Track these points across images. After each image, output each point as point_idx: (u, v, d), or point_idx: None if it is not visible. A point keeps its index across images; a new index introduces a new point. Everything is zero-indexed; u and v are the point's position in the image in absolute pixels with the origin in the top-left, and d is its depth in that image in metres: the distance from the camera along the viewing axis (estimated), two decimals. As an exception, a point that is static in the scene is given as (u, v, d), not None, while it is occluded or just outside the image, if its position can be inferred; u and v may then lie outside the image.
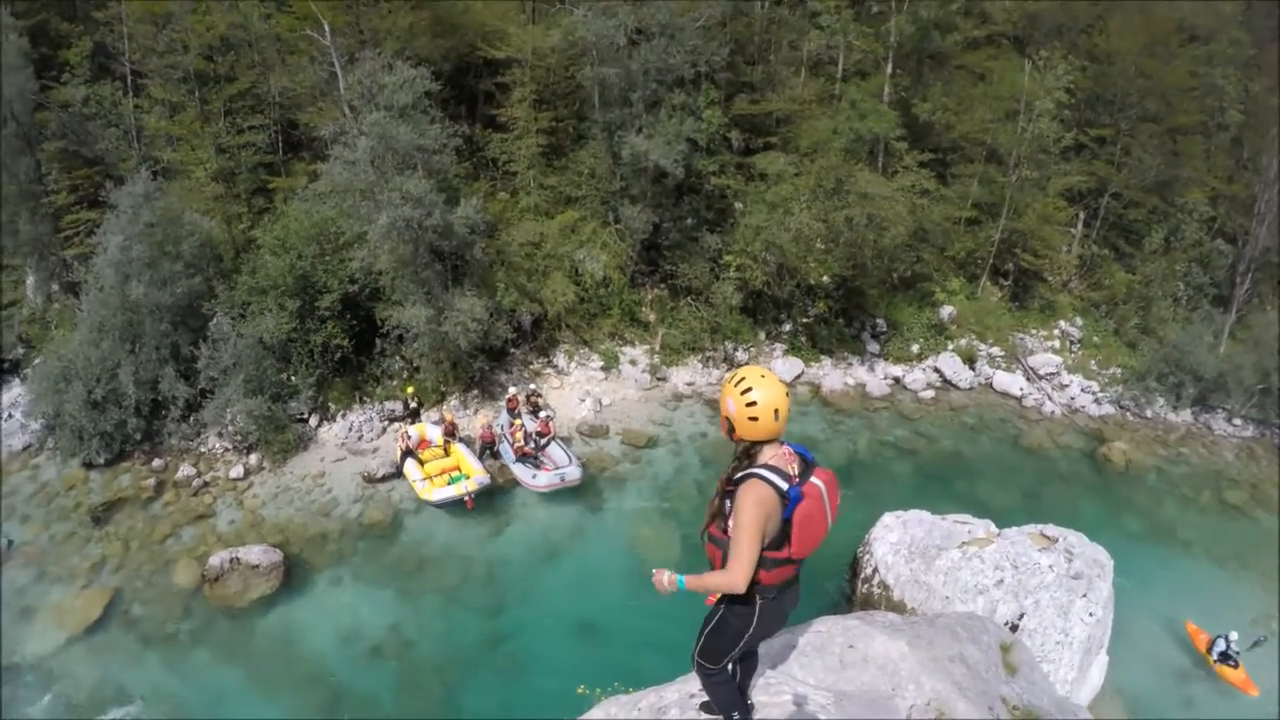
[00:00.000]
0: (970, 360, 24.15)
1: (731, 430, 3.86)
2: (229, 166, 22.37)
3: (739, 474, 3.80)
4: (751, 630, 4.11)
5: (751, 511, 3.68)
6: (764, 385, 3.71)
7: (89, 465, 19.34)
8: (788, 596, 4.12)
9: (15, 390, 22.24)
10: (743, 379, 3.77)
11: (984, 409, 22.55)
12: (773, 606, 4.05)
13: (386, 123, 18.87)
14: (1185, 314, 25.51)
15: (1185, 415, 22.72)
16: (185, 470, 19.21)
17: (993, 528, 14.68)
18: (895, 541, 14.71)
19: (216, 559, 16.18)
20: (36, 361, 21.39)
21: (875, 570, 14.66)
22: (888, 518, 15.33)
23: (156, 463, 19.48)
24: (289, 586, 16.17)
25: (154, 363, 19.67)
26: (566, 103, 24.16)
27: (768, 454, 3.81)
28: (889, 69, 25.58)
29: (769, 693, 5.31)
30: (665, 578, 4.04)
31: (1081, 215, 27.66)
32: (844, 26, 25.04)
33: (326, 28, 21.20)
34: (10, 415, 21.36)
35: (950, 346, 24.62)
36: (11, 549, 17.28)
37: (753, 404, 3.70)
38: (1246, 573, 17.44)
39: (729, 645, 4.21)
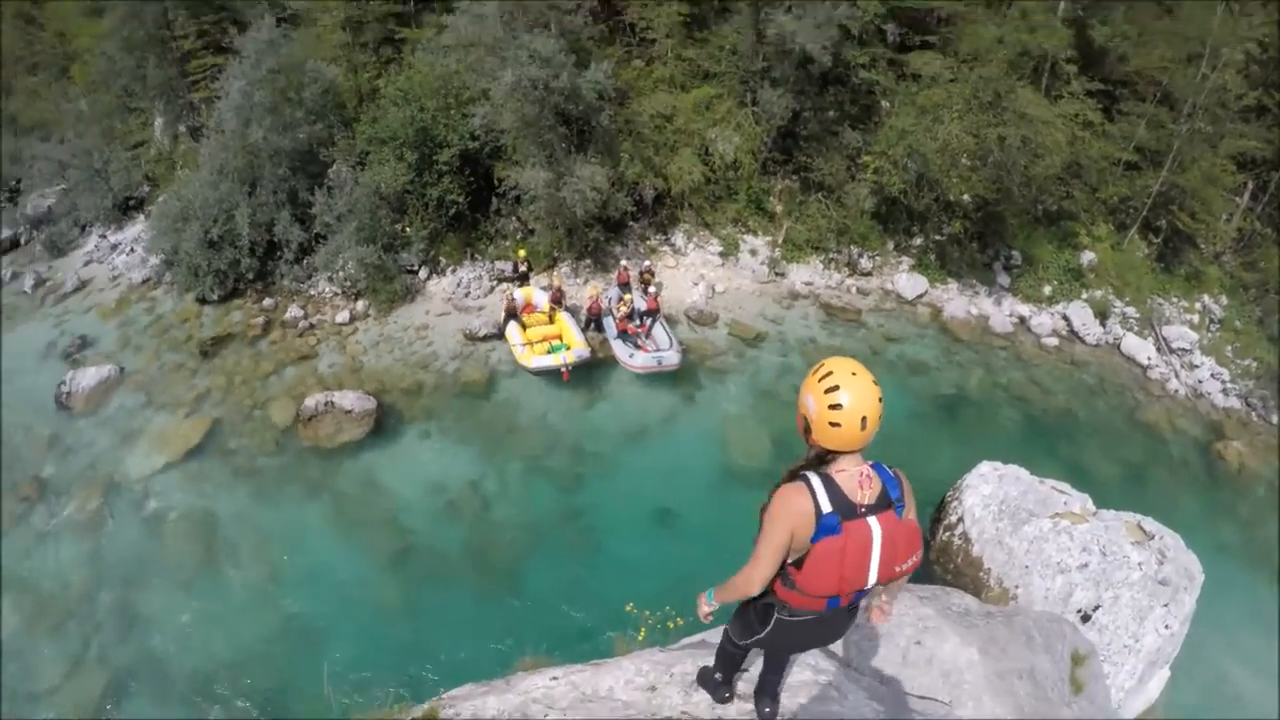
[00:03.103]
0: (1103, 315, 21.92)
1: (808, 431, 3.25)
2: (357, 15, 21.89)
3: (796, 468, 3.30)
4: (762, 637, 3.74)
5: (778, 515, 3.22)
6: (854, 385, 3.10)
7: (203, 301, 19.83)
8: (819, 626, 3.62)
9: (139, 226, 22.95)
10: (829, 373, 3.15)
11: (1106, 371, 20.54)
12: (792, 627, 3.60)
13: (518, -24, 18.03)
14: (1340, 322, 22.33)
15: (1314, 431, 19.93)
16: (293, 311, 19.34)
17: (1090, 504, 13.29)
18: (987, 494, 13.56)
19: (312, 400, 16.27)
20: (159, 199, 21.81)
21: (960, 520, 13.59)
22: (984, 467, 14.10)
23: (267, 302, 19.74)
24: (378, 434, 16.12)
25: (270, 206, 19.80)
26: (714, -30, 22.63)
27: (839, 466, 3.22)
28: (1069, -19, 23.02)
29: (813, 696, 5.00)
30: (701, 601, 3.73)
31: (1250, 185, 24.44)
32: (1025, -75, 22.48)
33: None
34: (133, 250, 22.04)
35: (1084, 296, 22.36)
36: (124, 375, 17.90)
37: (837, 406, 3.09)
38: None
39: (743, 634, 3.91)
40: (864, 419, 3.07)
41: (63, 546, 14.14)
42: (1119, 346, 21.27)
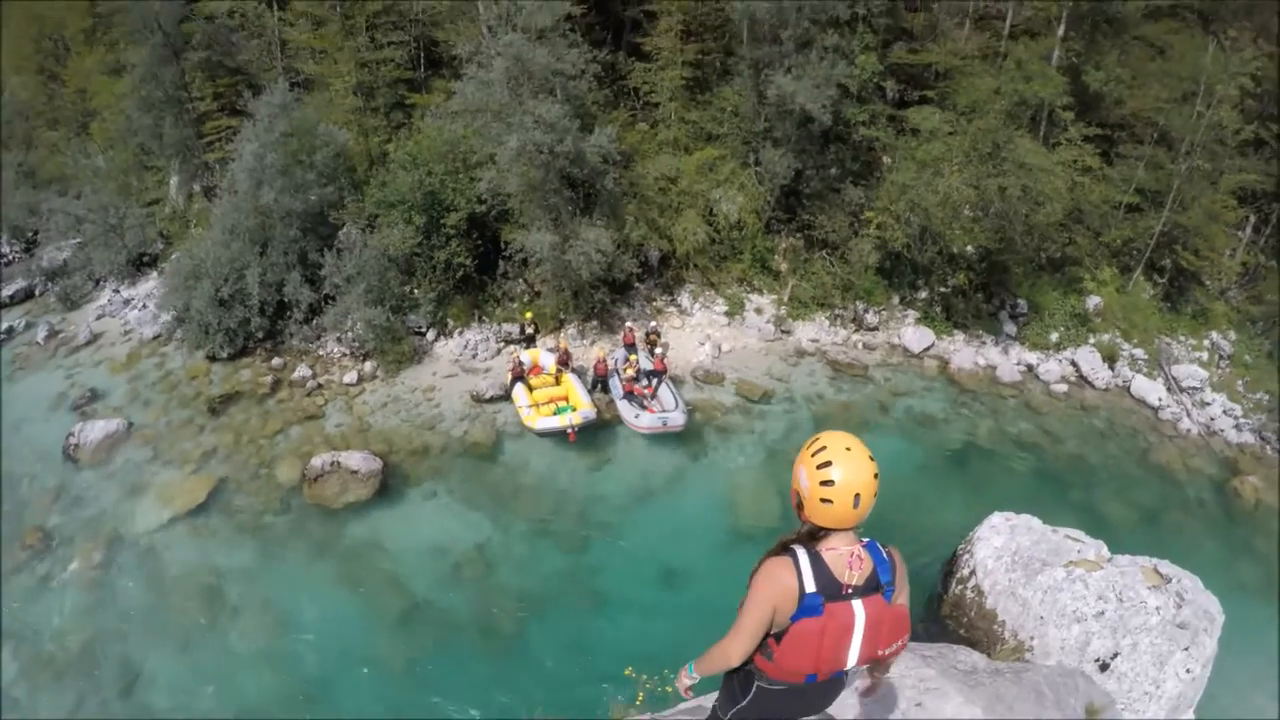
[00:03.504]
0: (1111, 359, 21.90)
1: (800, 506, 3.14)
2: (368, 81, 22.40)
3: (786, 540, 3.22)
4: (744, 706, 3.54)
5: (761, 588, 3.14)
6: (847, 461, 2.99)
7: (212, 358, 20.08)
8: (801, 697, 3.44)
9: (152, 282, 23.31)
10: (823, 448, 3.04)
11: (1116, 414, 20.42)
12: (774, 696, 3.41)
13: (522, 45, 18.42)
14: (1351, 350, 22.23)
15: (1330, 461, 19.69)
16: (302, 371, 19.58)
17: (1104, 551, 13.14)
18: (999, 546, 13.43)
19: (318, 460, 16.36)
20: (172, 257, 22.18)
21: (973, 573, 13.42)
22: (996, 518, 14.00)
23: (275, 361, 19.98)
24: (384, 494, 16.16)
25: (281, 266, 20.09)
26: (714, 36, 23.01)
27: (830, 544, 3.12)
28: (1061, 30, 23.16)
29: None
30: (682, 674, 3.68)
31: (1251, 219, 24.66)
32: (1016, -23, 22.90)
33: (467, -54, 20.99)
34: (145, 305, 22.39)
35: (1092, 340, 22.37)
36: (132, 429, 18.10)
37: (829, 483, 2.99)
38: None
39: (727, 706, 3.67)
40: (857, 496, 2.98)
41: (65, 597, 14.23)
42: (1129, 389, 21.19)
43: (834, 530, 3.11)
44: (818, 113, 20.04)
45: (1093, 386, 21.22)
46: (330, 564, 14.85)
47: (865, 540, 3.18)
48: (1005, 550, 13.31)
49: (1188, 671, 11.34)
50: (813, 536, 3.15)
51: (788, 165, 21.35)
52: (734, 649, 3.24)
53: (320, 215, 20.36)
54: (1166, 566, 12.68)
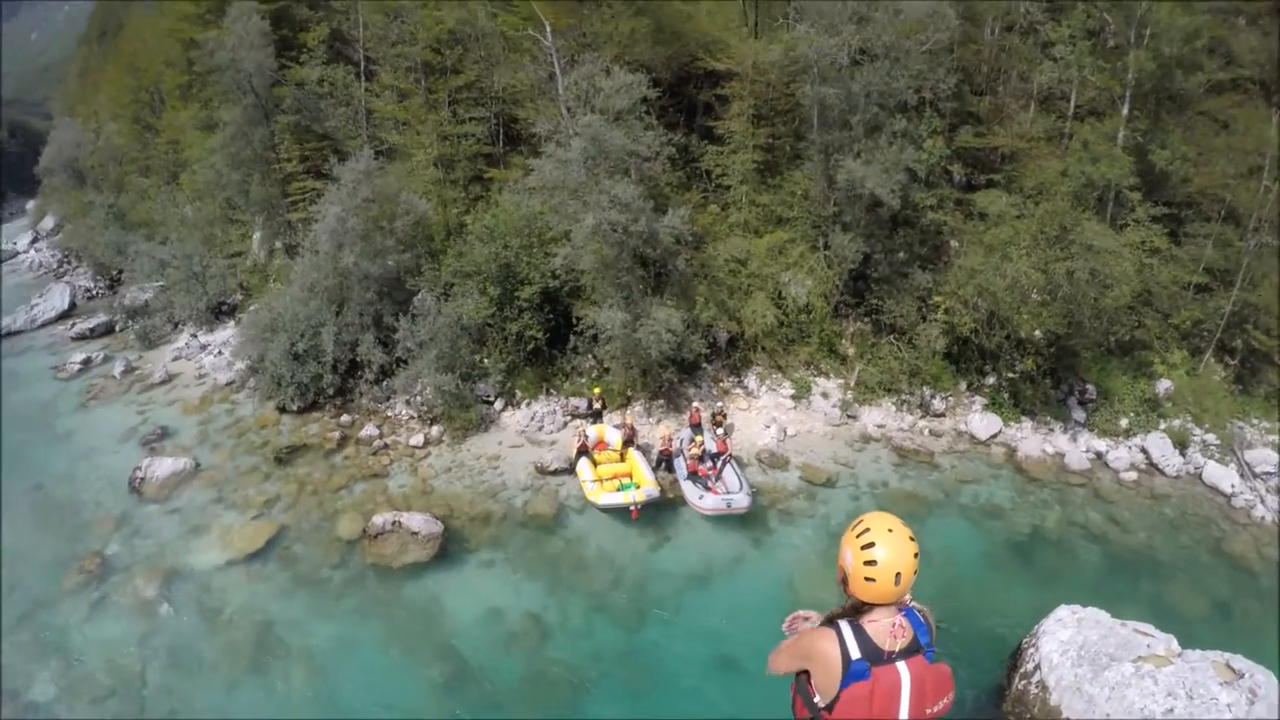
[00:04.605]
0: (1182, 445, 21.23)
1: (845, 582, 3.40)
2: (449, 153, 23.26)
3: (832, 614, 3.45)
4: None
5: (802, 645, 3.42)
6: (889, 542, 3.26)
7: (282, 409, 20.69)
8: None
9: (229, 330, 24.15)
10: (867, 529, 3.32)
11: (1188, 502, 19.77)
12: None
13: (600, 125, 18.96)
14: None
15: None
16: (369, 430, 19.96)
17: (1174, 645, 12.74)
18: (1065, 640, 13.10)
19: (380, 518, 16.60)
20: (251, 308, 22.95)
21: (1038, 667, 13.10)
22: (1062, 611, 13.73)
23: (344, 418, 20.44)
24: (443, 558, 16.23)
25: (356, 327, 20.71)
26: (785, 120, 23.55)
27: (872, 617, 3.34)
28: (1125, 109, 23.10)
29: None
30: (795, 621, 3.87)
31: None
32: (1079, 59, 22.83)
33: (548, 28, 21.90)
34: (220, 352, 23.16)
35: (1162, 426, 21.73)
36: (198, 470, 18.71)
37: (872, 563, 3.25)
38: None
39: None
40: (898, 575, 3.21)
41: (116, 624, 14.46)
42: (1200, 476, 20.55)
43: (877, 605, 3.32)
44: (886, 197, 20.23)
45: (1163, 474, 20.59)
46: (383, 622, 14.88)
47: (903, 610, 3.37)
48: (1071, 644, 13.04)
49: (1259, 771, 10.95)
50: (857, 611, 3.35)
51: (856, 249, 21.50)
52: (774, 661, 3.56)
53: (397, 280, 20.98)
54: (1239, 661, 12.32)
